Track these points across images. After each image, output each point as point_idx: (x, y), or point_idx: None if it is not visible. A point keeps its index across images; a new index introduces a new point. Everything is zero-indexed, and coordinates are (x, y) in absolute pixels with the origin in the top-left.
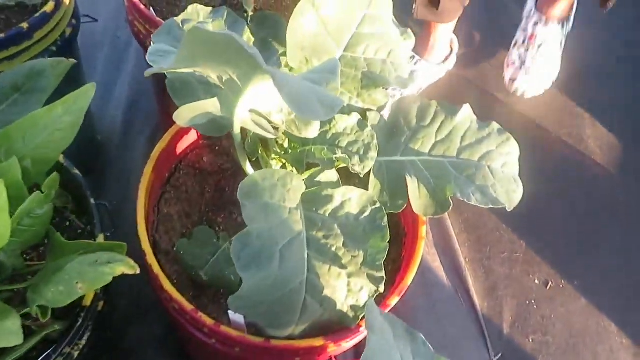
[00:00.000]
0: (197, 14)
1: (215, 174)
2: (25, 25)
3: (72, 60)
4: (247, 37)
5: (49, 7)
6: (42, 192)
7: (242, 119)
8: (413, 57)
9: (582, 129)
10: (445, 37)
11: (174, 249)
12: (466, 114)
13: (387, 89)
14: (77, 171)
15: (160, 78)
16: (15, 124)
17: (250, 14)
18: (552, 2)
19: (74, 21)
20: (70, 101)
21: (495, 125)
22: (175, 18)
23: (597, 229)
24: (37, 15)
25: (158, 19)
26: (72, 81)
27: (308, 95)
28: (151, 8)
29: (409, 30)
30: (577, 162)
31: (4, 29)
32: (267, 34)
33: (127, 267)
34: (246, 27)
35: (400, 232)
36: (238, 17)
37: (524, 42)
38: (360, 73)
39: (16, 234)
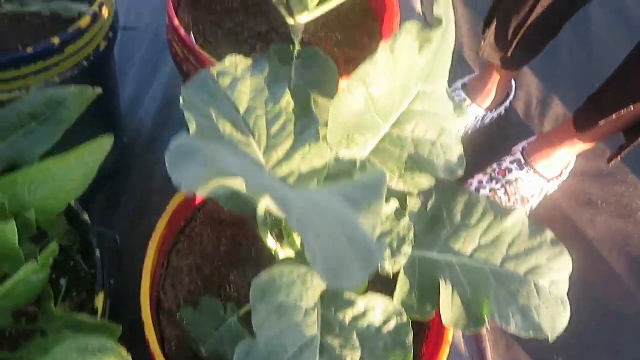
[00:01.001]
0: (235, 67)
1: (234, 226)
2: (56, 40)
3: (98, 90)
4: (287, 101)
5: (84, 22)
6: (52, 240)
7: (266, 203)
8: (465, 99)
9: None
10: (505, 83)
11: (178, 313)
12: (518, 219)
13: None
14: (86, 217)
15: None
16: (23, 172)
17: (298, 46)
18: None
19: (110, 34)
20: (85, 153)
21: (548, 235)
22: (211, 69)
23: None
24: (70, 30)
25: (198, 48)
26: (105, 89)
27: (337, 240)
28: (192, 33)
29: (464, 106)
30: None
31: (34, 41)
32: (312, 80)
33: (117, 359)
34: (287, 90)
35: (425, 324)
36: (279, 75)
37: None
38: (406, 154)
39: (7, 298)
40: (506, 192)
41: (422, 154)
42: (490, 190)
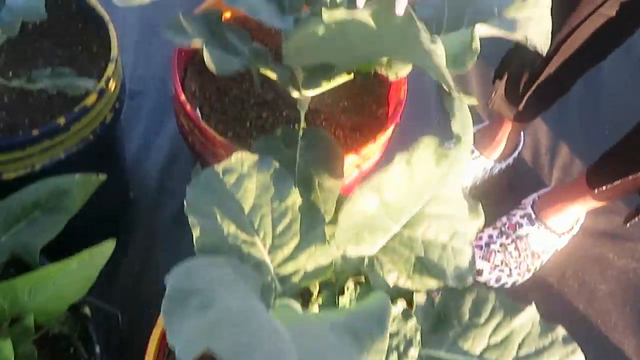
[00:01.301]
0: (241, 163)
1: None
2: (62, 120)
3: (102, 177)
4: (293, 199)
5: (90, 100)
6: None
7: None
8: (473, 151)
9: None
10: (515, 134)
11: None
12: (528, 317)
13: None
14: (87, 310)
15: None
16: (24, 277)
17: (303, 122)
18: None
19: (117, 105)
20: (86, 258)
21: (560, 332)
22: (216, 167)
23: None
24: (76, 110)
25: (204, 124)
26: (110, 153)
27: None
28: (198, 109)
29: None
30: None
31: (41, 116)
32: (317, 163)
33: None
34: (293, 188)
35: None
36: (285, 172)
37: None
38: (414, 257)
39: None
40: (516, 247)
41: (432, 258)
42: (501, 245)
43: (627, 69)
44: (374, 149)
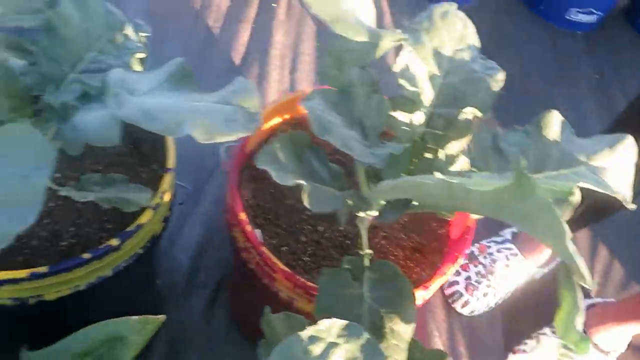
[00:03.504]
0: (328, 331)
1: None
2: (115, 242)
3: (162, 317)
4: None
5: (145, 217)
6: None
7: None
8: (516, 254)
9: None
10: None
11: None
12: None
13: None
14: None
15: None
16: None
17: (367, 249)
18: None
19: (168, 213)
20: None
21: None
22: (300, 335)
23: None
24: (131, 228)
25: (264, 250)
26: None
27: None
28: (257, 231)
29: None
30: None
31: (87, 229)
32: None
33: None
34: None
35: None
36: (375, 343)
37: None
38: None
39: None
40: None
41: None
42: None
43: None
44: (441, 280)
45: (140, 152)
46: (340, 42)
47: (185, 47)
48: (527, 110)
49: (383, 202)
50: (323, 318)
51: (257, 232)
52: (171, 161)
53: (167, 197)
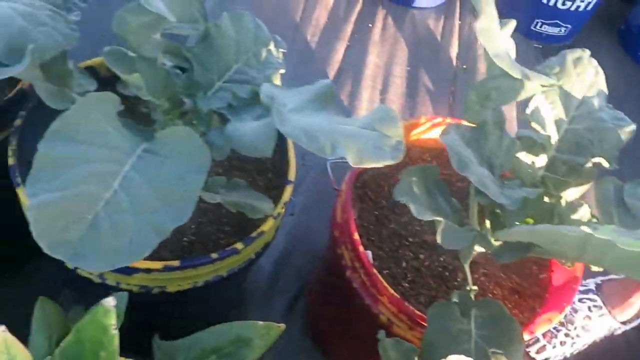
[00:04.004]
0: None
1: None
2: (240, 246)
3: (283, 326)
4: None
5: (267, 225)
6: None
7: None
8: (600, 307)
9: None
10: None
11: None
12: None
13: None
14: None
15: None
16: None
17: (473, 286)
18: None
19: (279, 223)
20: None
21: None
22: None
23: None
24: (254, 235)
25: (375, 272)
26: None
27: None
28: (369, 252)
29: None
30: None
31: (211, 238)
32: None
33: None
34: None
35: None
36: None
37: None
38: None
39: None
40: None
41: None
42: None
43: None
44: (546, 327)
45: (257, 159)
46: (488, 79)
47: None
48: None
49: (500, 242)
50: (430, 349)
51: (368, 254)
52: (292, 173)
53: (284, 207)
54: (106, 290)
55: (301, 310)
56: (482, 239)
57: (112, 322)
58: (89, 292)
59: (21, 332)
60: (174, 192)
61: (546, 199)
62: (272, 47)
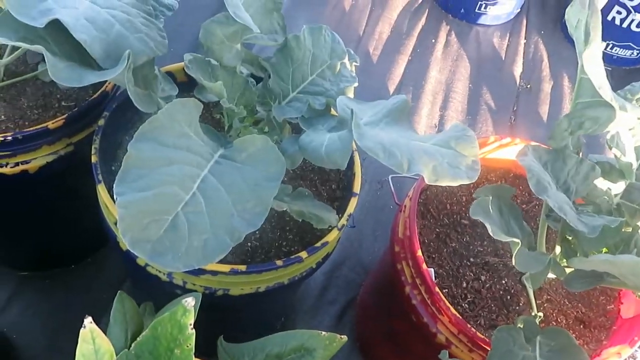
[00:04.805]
0: None
1: None
2: (304, 254)
3: (345, 338)
4: None
5: (331, 236)
6: None
7: None
8: None
9: None
10: None
11: None
12: None
13: None
14: None
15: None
16: None
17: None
18: None
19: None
20: None
21: None
22: None
23: None
24: (318, 245)
25: (436, 289)
26: None
27: None
28: (431, 270)
29: None
30: None
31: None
32: None
33: None
34: None
35: None
36: None
37: None
38: None
39: None
40: None
41: None
42: None
43: None
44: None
45: (321, 169)
46: (583, 108)
47: None
48: None
49: (572, 269)
50: None
51: (431, 271)
52: (358, 186)
53: (347, 220)
54: (171, 288)
55: (350, 323)
56: (555, 266)
57: (190, 322)
58: (155, 288)
59: (94, 315)
60: (249, 198)
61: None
62: (346, 60)
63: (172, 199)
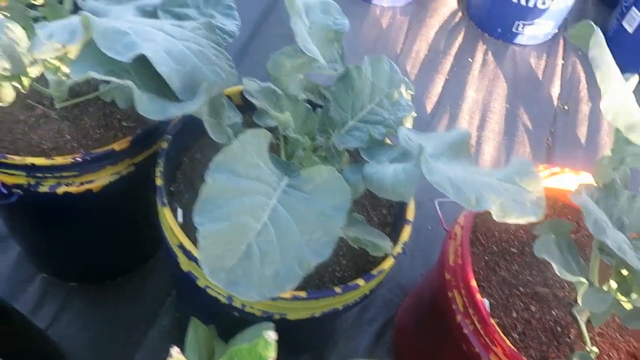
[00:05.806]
0: None
1: None
2: (361, 282)
3: None
4: None
5: (387, 264)
6: None
7: None
8: None
9: None
10: None
11: None
12: None
13: None
14: None
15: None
16: None
17: (589, 343)
18: None
19: None
20: None
21: None
22: None
23: None
24: (374, 272)
25: (491, 320)
26: None
27: None
28: (486, 301)
29: None
30: None
31: (326, 269)
32: None
33: None
34: None
35: None
36: None
37: None
38: None
39: None
40: None
41: None
42: None
43: None
44: None
45: (372, 194)
46: (625, 144)
47: None
48: None
49: (631, 306)
50: None
51: (485, 302)
52: (411, 214)
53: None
54: (230, 310)
55: (387, 343)
56: (616, 303)
57: (271, 355)
58: (212, 308)
59: (140, 328)
60: (315, 228)
61: None
62: (402, 89)
63: (246, 228)
